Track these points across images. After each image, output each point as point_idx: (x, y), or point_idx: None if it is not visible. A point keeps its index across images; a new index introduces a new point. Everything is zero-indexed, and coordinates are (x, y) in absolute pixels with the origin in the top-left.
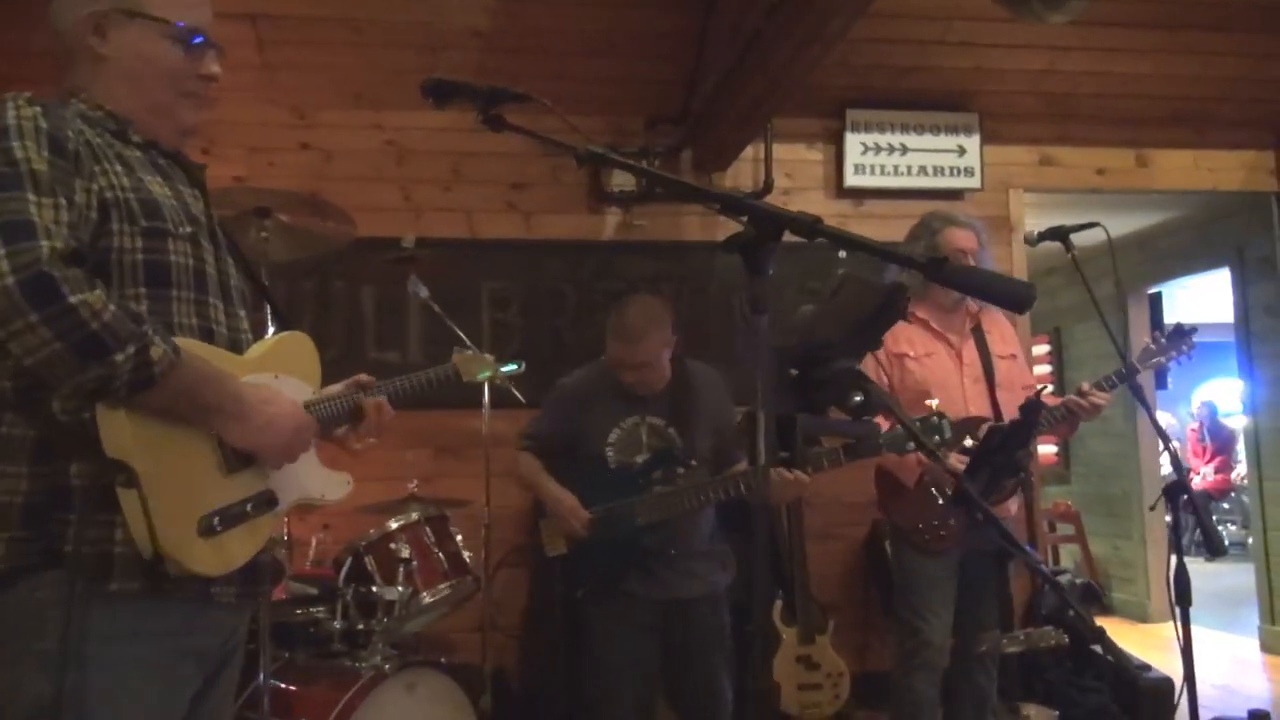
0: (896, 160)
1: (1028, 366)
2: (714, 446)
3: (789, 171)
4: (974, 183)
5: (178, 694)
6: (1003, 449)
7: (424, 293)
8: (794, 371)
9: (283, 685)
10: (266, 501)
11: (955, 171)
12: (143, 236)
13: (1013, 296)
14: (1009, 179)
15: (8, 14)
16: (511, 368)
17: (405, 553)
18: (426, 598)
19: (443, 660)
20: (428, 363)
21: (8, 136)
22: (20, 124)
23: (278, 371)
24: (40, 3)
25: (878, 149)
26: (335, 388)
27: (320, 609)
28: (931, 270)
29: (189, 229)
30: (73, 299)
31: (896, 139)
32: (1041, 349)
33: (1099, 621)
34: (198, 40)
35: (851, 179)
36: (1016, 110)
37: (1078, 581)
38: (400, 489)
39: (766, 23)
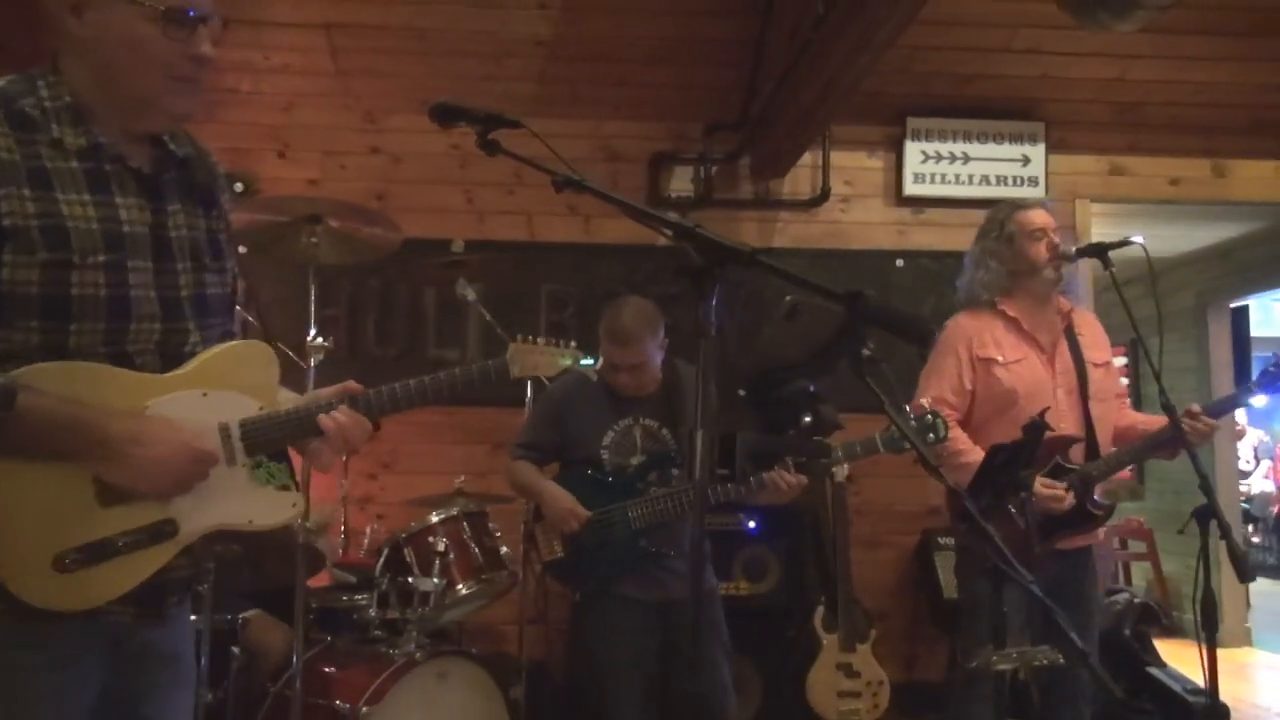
0: (958, 169)
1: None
2: None
3: (848, 179)
4: (1039, 192)
5: (69, 698)
6: (1006, 468)
7: (471, 295)
8: (741, 392)
9: (322, 667)
10: (159, 533)
11: (1019, 181)
12: (40, 269)
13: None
14: (1075, 189)
15: None
16: (590, 361)
17: (442, 546)
18: (461, 590)
19: (474, 650)
20: (484, 360)
21: None
22: None
23: (209, 388)
24: None
25: (939, 157)
26: (324, 391)
27: (361, 596)
28: (849, 306)
29: (103, 256)
30: None
31: (958, 147)
32: (1118, 361)
33: (1162, 644)
34: (189, 14)
35: (911, 187)
36: (1084, 119)
37: (1136, 601)
38: (449, 483)
39: (817, 31)
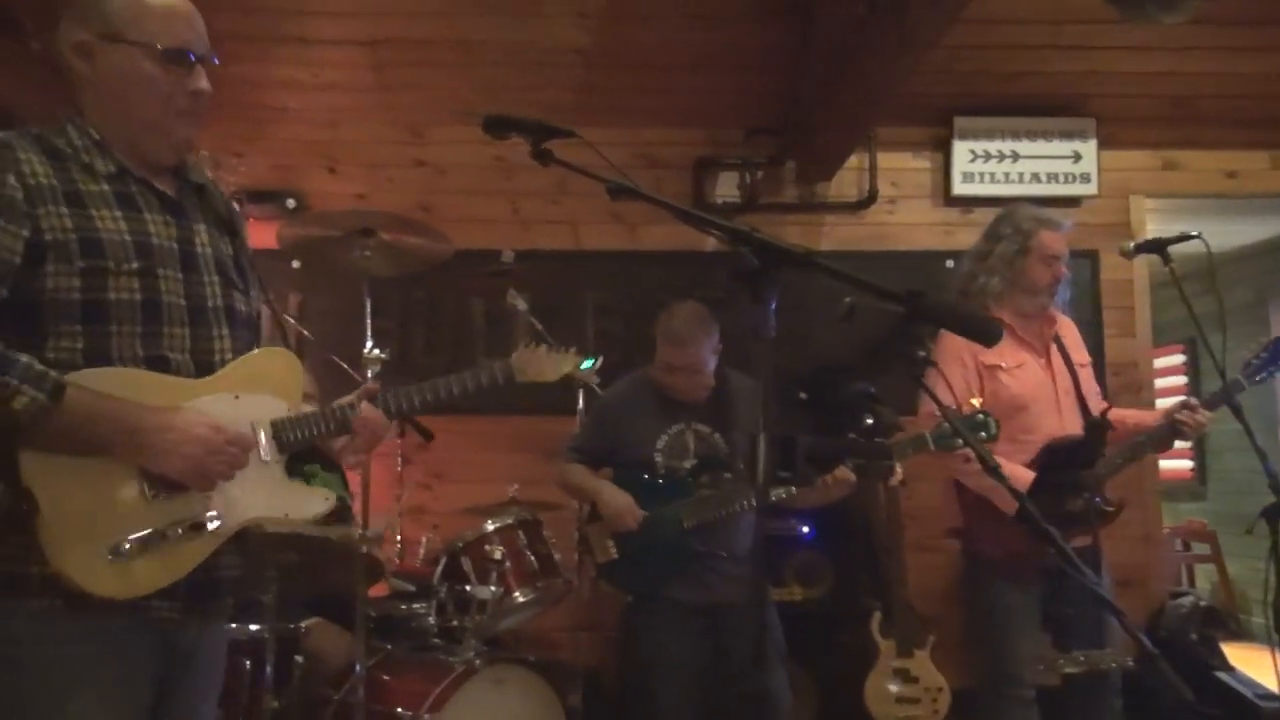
0: (1007, 168)
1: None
2: None
3: (895, 180)
4: (1090, 189)
5: (123, 694)
6: (1066, 468)
7: (522, 305)
8: (802, 395)
9: (382, 675)
10: (201, 524)
11: (1070, 178)
12: (80, 276)
13: (983, 331)
14: (1128, 184)
15: None
16: (589, 363)
17: (498, 554)
18: (518, 597)
19: (532, 658)
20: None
21: None
22: None
23: (240, 391)
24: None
25: (987, 156)
26: (345, 399)
27: (420, 605)
28: (910, 305)
29: (136, 264)
30: None
31: (1007, 146)
32: (1175, 359)
33: (1229, 648)
34: (186, 58)
35: (960, 187)
36: (1136, 114)
37: (1201, 604)
38: (503, 492)
39: (858, 34)
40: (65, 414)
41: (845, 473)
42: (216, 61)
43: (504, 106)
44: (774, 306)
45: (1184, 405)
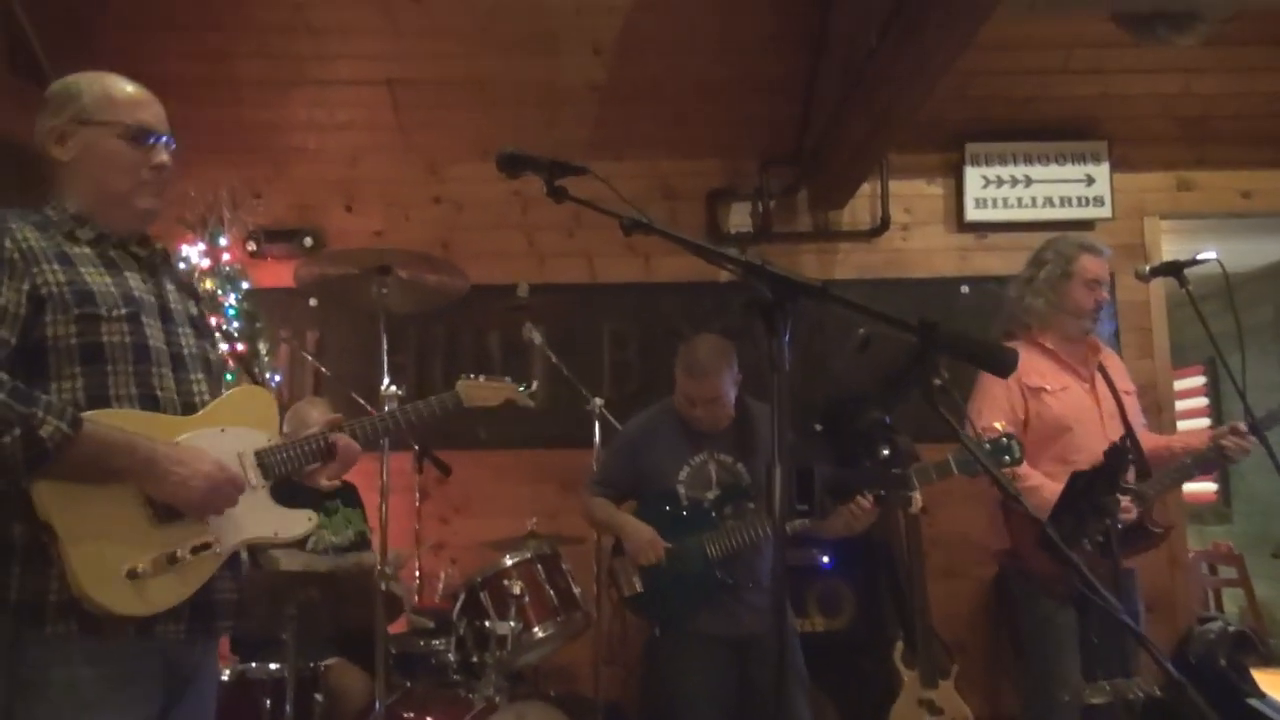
0: (1020, 192)
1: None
2: None
3: (908, 207)
4: (1104, 212)
5: (137, 706)
6: (1088, 494)
7: (538, 339)
8: (817, 426)
9: (402, 713)
10: (204, 545)
11: (1084, 201)
12: (75, 323)
13: (998, 361)
14: (1143, 206)
15: (218, 92)
16: (525, 388)
17: (517, 589)
18: (537, 632)
19: (553, 693)
20: (549, 402)
21: None
22: None
23: (224, 425)
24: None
25: (999, 181)
26: (314, 430)
27: (439, 641)
28: (924, 336)
29: (124, 310)
30: None
31: (1019, 170)
32: (1195, 381)
33: (1260, 674)
34: (148, 136)
35: (973, 213)
36: (1148, 135)
37: (1230, 629)
38: (521, 525)
39: (869, 63)
40: (84, 443)
41: (865, 504)
42: (173, 146)
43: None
44: (788, 338)
45: (1231, 429)
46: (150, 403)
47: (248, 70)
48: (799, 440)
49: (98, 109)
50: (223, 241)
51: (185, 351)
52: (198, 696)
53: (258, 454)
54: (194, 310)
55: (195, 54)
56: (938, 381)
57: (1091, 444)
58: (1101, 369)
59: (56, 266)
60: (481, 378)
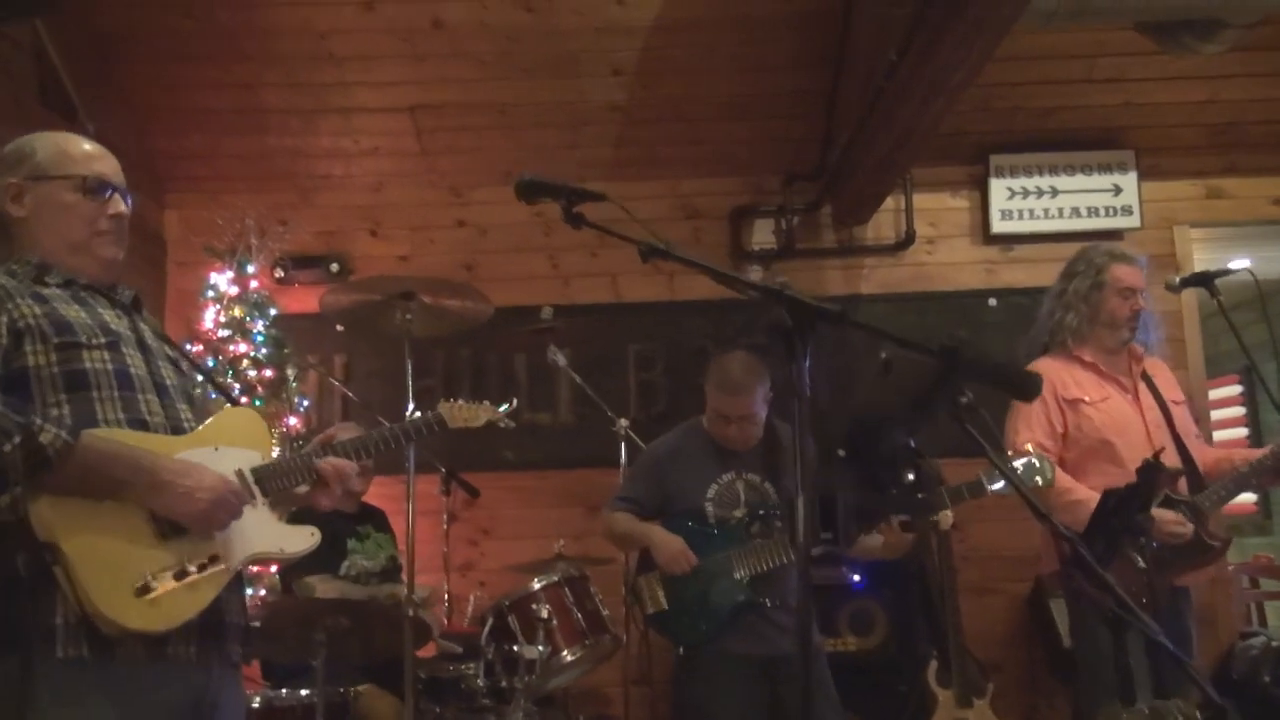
0: (1046, 203)
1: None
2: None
3: (932, 221)
4: (1133, 221)
5: None
6: (1119, 513)
7: (562, 361)
8: (840, 451)
9: None
10: (210, 561)
11: (1111, 211)
12: (57, 351)
13: (1021, 386)
14: (1172, 215)
15: (245, 121)
16: (504, 408)
17: (545, 613)
18: (566, 656)
19: (582, 717)
20: (576, 422)
21: None
22: None
23: (218, 444)
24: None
25: (1025, 193)
26: (308, 448)
27: (468, 665)
28: (948, 361)
29: (103, 339)
30: None
31: (1045, 181)
32: (1230, 390)
33: None
34: (102, 189)
35: (999, 225)
36: (1176, 144)
37: (1274, 644)
38: (549, 547)
39: (889, 79)
40: (85, 453)
41: (896, 532)
42: (129, 201)
43: (543, 165)
44: (809, 363)
45: None
46: (139, 426)
47: (273, 100)
48: (823, 465)
49: (52, 164)
50: (250, 269)
51: (167, 382)
52: None
53: (254, 471)
54: (170, 351)
55: (221, 84)
56: (964, 399)
57: (1138, 455)
58: (1147, 378)
59: (31, 301)
60: (460, 401)
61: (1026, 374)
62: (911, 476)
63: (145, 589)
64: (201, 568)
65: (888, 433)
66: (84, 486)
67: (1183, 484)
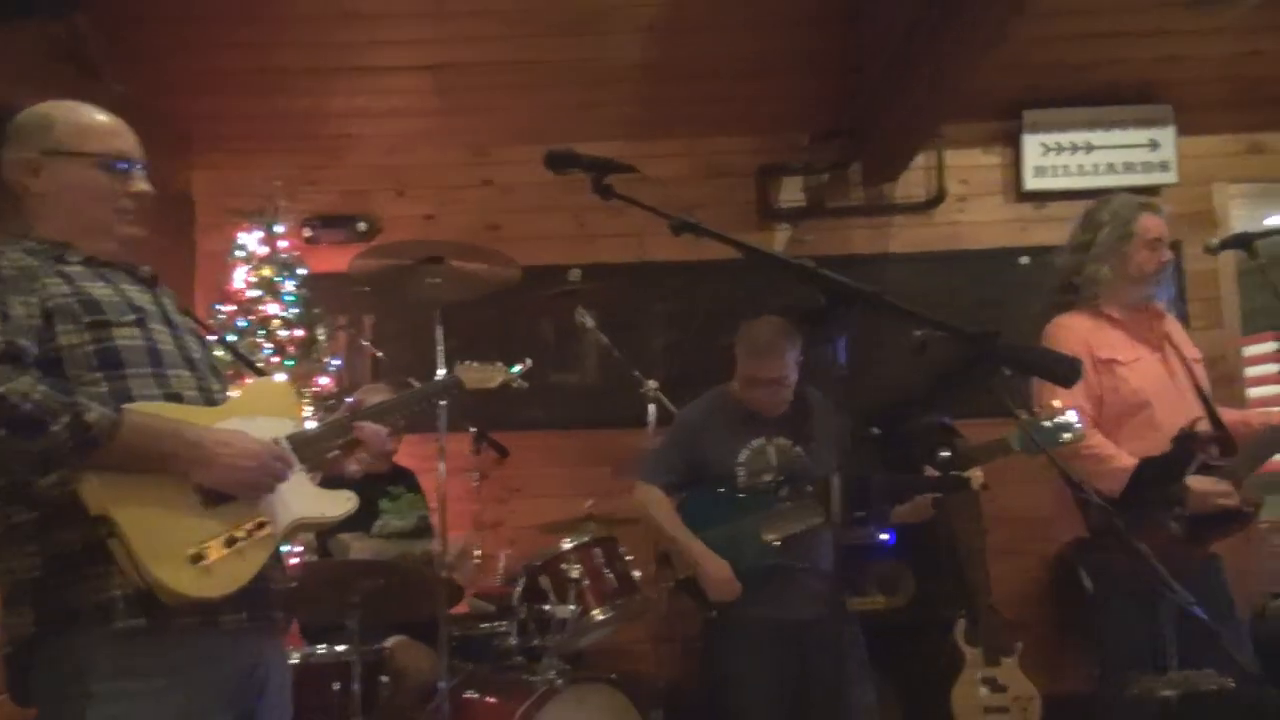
0: (1081, 159)
1: None
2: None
3: (964, 178)
4: (1170, 177)
5: (213, 702)
6: (1155, 483)
7: (590, 322)
8: (874, 430)
9: (465, 694)
10: (257, 528)
11: (1148, 167)
12: (88, 330)
13: (1061, 371)
14: (1210, 171)
15: (269, 82)
16: (517, 369)
17: (575, 573)
18: (596, 615)
19: (613, 675)
20: (603, 383)
21: None
22: None
23: (252, 414)
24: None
25: (1059, 149)
26: (337, 415)
27: (500, 624)
28: (985, 346)
29: (132, 316)
30: (0, 389)
31: (1080, 137)
32: (1267, 347)
33: None
34: (122, 165)
35: (1031, 182)
36: (1215, 98)
37: None
38: (578, 506)
39: (915, 35)
40: (130, 430)
41: (924, 504)
42: (146, 170)
43: (567, 124)
44: (843, 343)
45: None
46: (174, 401)
47: (295, 59)
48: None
49: (70, 140)
50: (278, 229)
51: (194, 355)
52: (278, 697)
53: (290, 439)
54: (193, 324)
55: (244, 45)
56: (1008, 372)
57: (1173, 418)
58: (1166, 337)
59: (58, 280)
60: (475, 363)
61: (1066, 359)
62: (945, 454)
63: (199, 557)
64: (249, 534)
65: (921, 411)
66: (131, 461)
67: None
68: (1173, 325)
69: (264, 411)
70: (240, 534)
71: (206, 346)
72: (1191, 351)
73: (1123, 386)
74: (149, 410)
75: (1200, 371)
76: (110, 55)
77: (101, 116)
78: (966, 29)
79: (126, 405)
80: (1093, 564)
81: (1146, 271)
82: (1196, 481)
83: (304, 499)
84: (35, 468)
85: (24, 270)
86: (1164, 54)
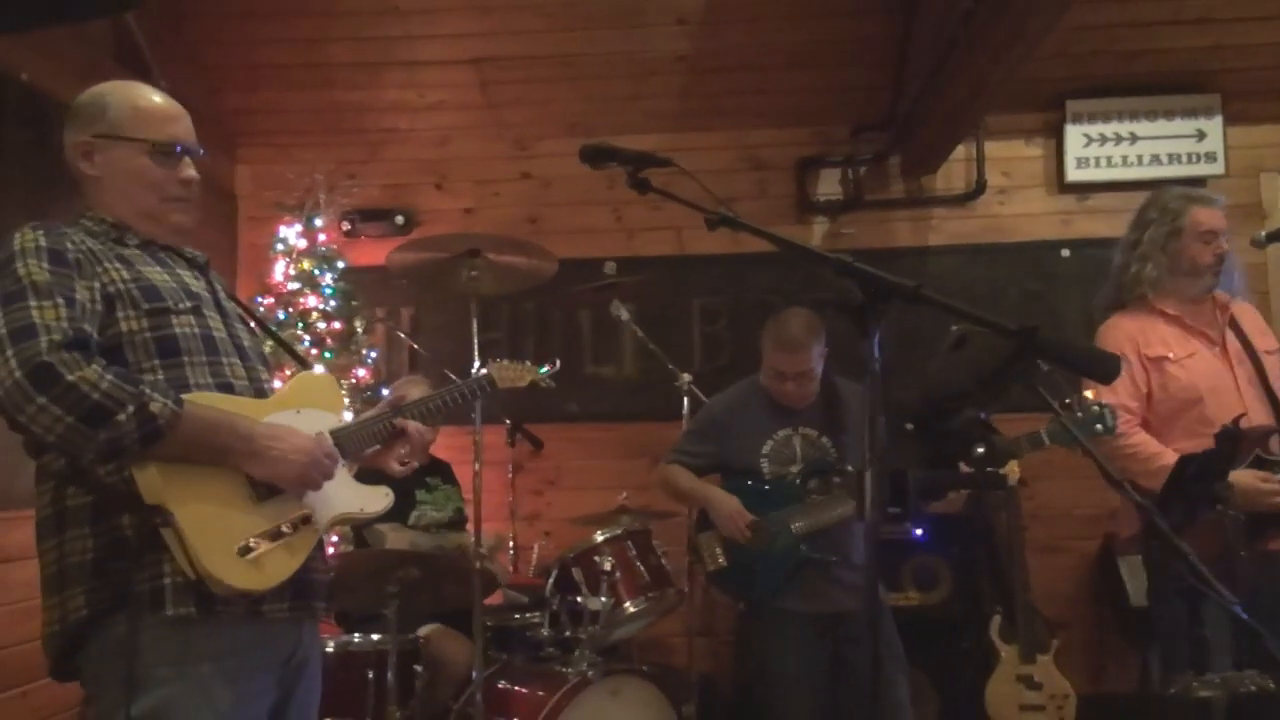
0: (1125, 150)
1: None
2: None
3: (1005, 170)
4: (1217, 168)
5: (248, 706)
6: (1198, 480)
7: (625, 315)
8: (909, 425)
9: (499, 684)
10: (303, 522)
11: (1194, 158)
12: (147, 317)
13: (1101, 368)
14: (1259, 162)
15: (311, 76)
16: (545, 370)
17: (608, 565)
18: (629, 608)
19: (645, 667)
20: (639, 377)
21: (13, 260)
22: (23, 247)
23: (299, 407)
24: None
25: (1103, 139)
26: (371, 411)
27: (534, 615)
28: (1024, 341)
29: (189, 303)
30: (70, 377)
31: (1124, 127)
32: None
33: None
34: (175, 151)
35: (1074, 173)
36: (1265, 87)
37: None
38: (613, 498)
39: (964, 26)
40: (189, 421)
41: (956, 495)
42: (203, 154)
43: (608, 117)
44: (878, 339)
45: None
46: (225, 390)
47: (340, 54)
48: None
49: (123, 124)
50: (318, 223)
51: (245, 344)
52: (312, 680)
53: (333, 434)
54: (240, 311)
55: (288, 40)
56: (1046, 368)
57: (1227, 414)
58: (1235, 326)
59: (118, 265)
60: (506, 361)
61: (1106, 356)
62: (981, 450)
63: (247, 549)
64: (295, 528)
65: (958, 407)
66: (188, 453)
67: (1275, 442)
68: (1245, 313)
69: (310, 404)
70: (286, 527)
71: (255, 334)
72: (1266, 343)
73: (1172, 383)
74: (206, 401)
75: (1273, 363)
76: (157, 51)
77: (157, 98)
78: (1021, 16)
79: (184, 396)
80: (1153, 560)
81: (1200, 265)
82: (1243, 477)
83: (344, 493)
84: (100, 456)
85: (88, 254)
86: (1211, 42)
